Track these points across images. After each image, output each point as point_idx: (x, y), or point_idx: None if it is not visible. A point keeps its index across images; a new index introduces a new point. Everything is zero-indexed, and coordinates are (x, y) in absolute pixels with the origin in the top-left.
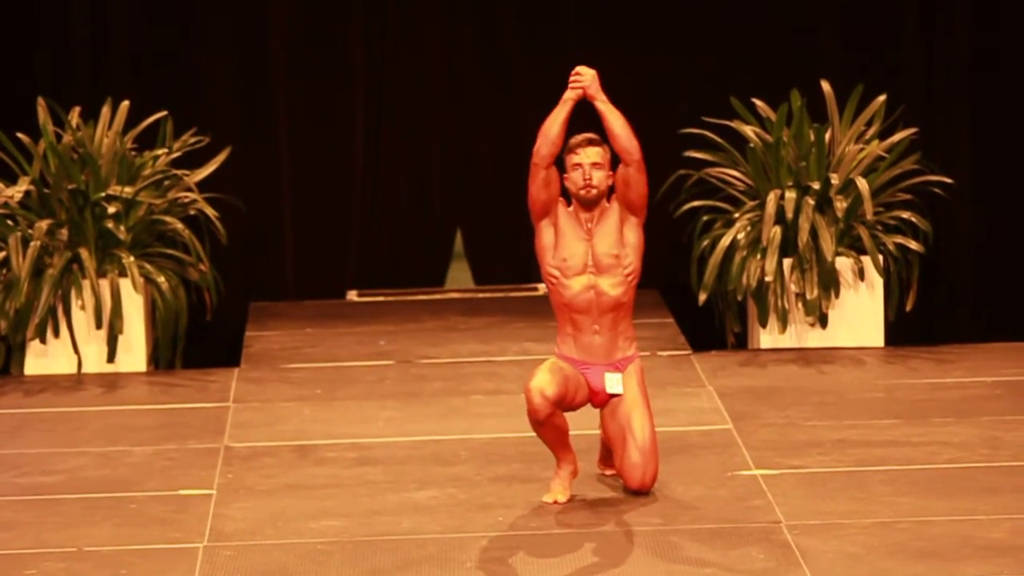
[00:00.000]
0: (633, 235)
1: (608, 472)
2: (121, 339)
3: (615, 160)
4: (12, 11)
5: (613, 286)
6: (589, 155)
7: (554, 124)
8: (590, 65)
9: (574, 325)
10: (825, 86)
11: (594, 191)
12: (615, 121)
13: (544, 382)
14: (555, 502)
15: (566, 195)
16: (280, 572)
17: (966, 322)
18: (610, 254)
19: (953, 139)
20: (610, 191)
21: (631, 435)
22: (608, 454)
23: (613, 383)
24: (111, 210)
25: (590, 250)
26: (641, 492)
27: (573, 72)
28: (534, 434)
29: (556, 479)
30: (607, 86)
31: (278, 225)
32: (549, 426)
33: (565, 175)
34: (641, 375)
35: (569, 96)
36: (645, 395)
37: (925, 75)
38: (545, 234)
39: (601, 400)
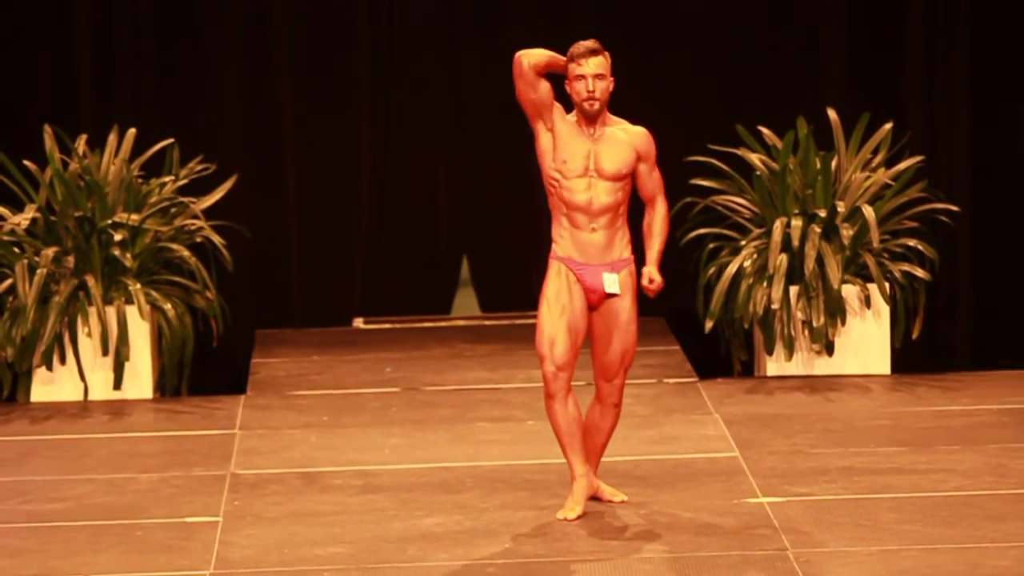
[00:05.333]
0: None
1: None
2: (127, 366)
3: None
4: (18, 38)
5: (609, 192)
6: (592, 66)
7: (542, 64)
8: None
9: (572, 222)
10: (831, 114)
11: (597, 104)
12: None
13: (554, 351)
14: (565, 519)
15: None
16: None
17: (972, 350)
18: (618, 171)
19: (955, 166)
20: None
21: (617, 335)
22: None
23: (611, 283)
24: (117, 237)
25: (593, 155)
26: (612, 385)
27: (648, 285)
28: (540, 461)
29: (569, 495)
30: (617, 112)
31: (284, 252)
32: (561, 406)
33: (567, 81)
34: (634, 281)
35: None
36: (635, 306)
37: (927, 103)
38: (543, 138)
39: (598, 299)
